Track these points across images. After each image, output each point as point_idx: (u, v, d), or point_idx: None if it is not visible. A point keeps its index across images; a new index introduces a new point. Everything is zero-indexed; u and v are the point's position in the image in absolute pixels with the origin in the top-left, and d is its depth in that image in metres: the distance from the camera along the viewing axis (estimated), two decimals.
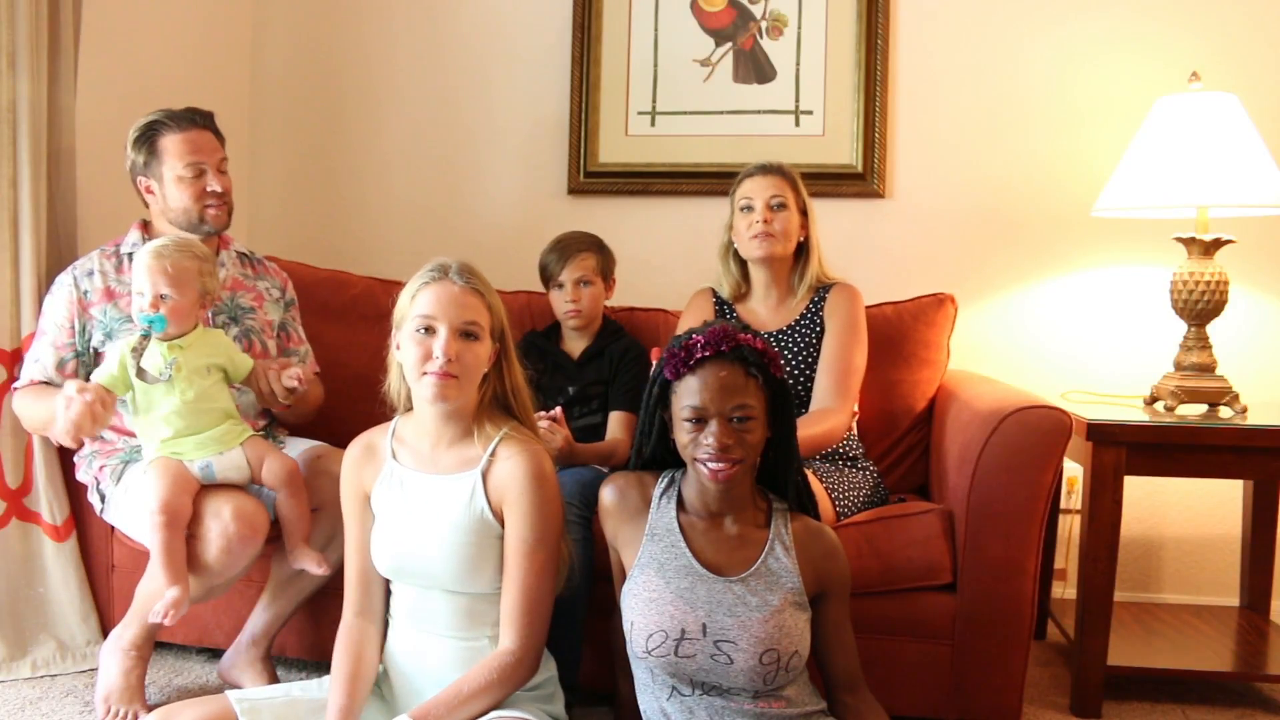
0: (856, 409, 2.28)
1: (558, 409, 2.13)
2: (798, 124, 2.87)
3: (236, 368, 2.00)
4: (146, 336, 1.87)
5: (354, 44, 3.08)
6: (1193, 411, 2.28)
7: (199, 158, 2.12)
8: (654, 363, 1.71)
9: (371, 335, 2.11)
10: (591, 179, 2.96)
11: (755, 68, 2.89)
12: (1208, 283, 2.30)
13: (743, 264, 2.35)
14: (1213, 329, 2.36)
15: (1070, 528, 2.70)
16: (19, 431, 2.18)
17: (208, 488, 1.91)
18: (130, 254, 2.14)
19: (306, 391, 2.05)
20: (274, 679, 2.09)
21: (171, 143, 2.11)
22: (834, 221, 2.64)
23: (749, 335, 1.59)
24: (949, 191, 2.83)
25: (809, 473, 1.89)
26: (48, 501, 2.22)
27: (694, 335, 1.58)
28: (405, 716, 1.52)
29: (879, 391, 2.40)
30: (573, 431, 2.16)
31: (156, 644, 2.03)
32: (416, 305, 1.62)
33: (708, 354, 1.56)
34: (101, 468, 2.09)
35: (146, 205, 2.20)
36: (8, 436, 2.19)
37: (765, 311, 2.33)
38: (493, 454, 1.65)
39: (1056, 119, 2.77)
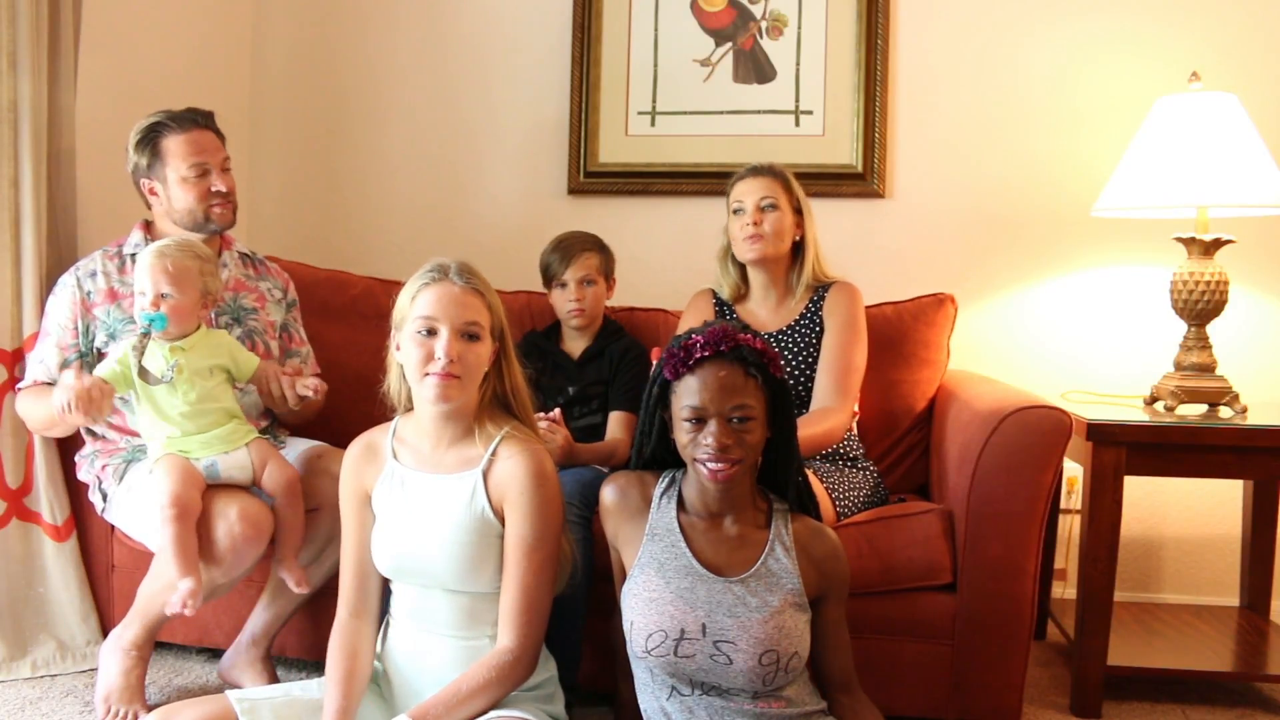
0: (857, 409, 2.28)
1: (556, 410, 2.13)
2: (798, 124, 2.88)
3: (240, 368, 2.00)
4: (147, 335, 1.87)
5: (354, 44, 3.08)
6: (1193, 411, 2.28)
7: (202, 158, 2.12)
8: (654, 363, 1.71)
9: (371, 335, 2.10)
10: (591, 179, 2.96)
11: (755, 68, 2.89)
12: (1208, 283, 2.30)
13: (741, 266, 2.35)
14: (1213, 329, 2.36)
15: (1070, 528, 2.70)
16: (20, 431, 2.18)
17: (213, 488, 1.91)
18: (133, 254, 2.14)
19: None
20: (274, 679, 2.09)
21: (174, 144, 2.11)
22: (834, 221, 2.64)
23: (749, 335, 1.59)
24: (949, 191, 2.83)
25: (809, 473, 1.89)
26: (48, 501, 2.22)
27: (694, 335, 1.58)
28: (405, 716, 1.52)
29: (879, 391, 2.40)
30: (573, 431, 2.17)
31: (156, 644, 2.04)
32: (417, 306, 1.62)
33: (707, 354, 1.56)
34: (104, 467, 2.10)
35: (149, 207, 2.20)
36: (8, 436, 2.19)
37: (765, 312, 2.33)
38: (493, 453, 1.65)
39: (1056, 119, 2.77)
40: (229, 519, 1.86)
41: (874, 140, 2.83)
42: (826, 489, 2.09)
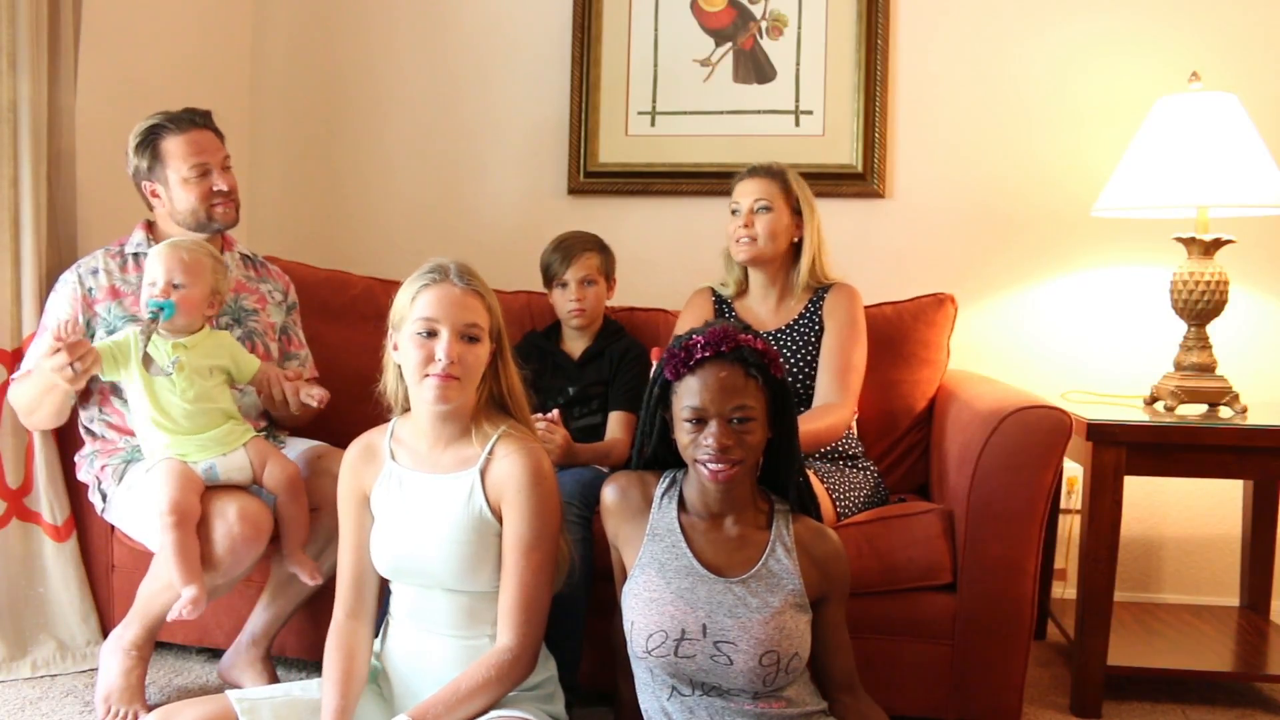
0: (855, 409, 2.28)
1: (555, 411, 2.13)
2: (798, 124, 2.87)
3: (241, 369, 2.00)
4: (155, 319, 1.87)
5: (354, 44, 3.08)
6: (1193, 411, 2.28)
7: (203, 158, 2.12)
8: (654, 363, 1.71)
9: (371, 335, 2.10)
10: (591, 179, 2.96)
11: (755, 68, 2.89)
12: (1208, 283, 2.30)
13: (743, 265, 2.36)
14: (1213, 329, 2.36)
15: (1070, 528, 2.70)
16: (20, 431, 2.18)
17: (212, 489, 1.91)
18: (135, 254, 2.15)
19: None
20: (274, 679, 2.09)
21: (174, 145, 2.11)
22: (834, 221, 2.63)
23: (749, 336, 1.59)
24: (949, 191, 2.83)
25: (810, 473, 1.89)
26: (48, 501, 2.22)
27: (694, 335, 1.58)
28: (404, 716, 1.52)
29: (879, 391, 2.40)
30: (573, 432, 2.17)
31: (156, 644, 2.04)
32: (417, 308, 1.62)
33: (708, 354, 1.56)
34: (103, 467, 2.09)
35: (151, 208, 2.20)
36: (8, 436, 2.19)
37: (764, 311, 2.34)
38: (490, 452, 1.65)
39: (1056, 119, 2.77)
40: (228, 519, 1.86)
41: (874, 140, 2.83)
42: (827, 489, 2.09)
